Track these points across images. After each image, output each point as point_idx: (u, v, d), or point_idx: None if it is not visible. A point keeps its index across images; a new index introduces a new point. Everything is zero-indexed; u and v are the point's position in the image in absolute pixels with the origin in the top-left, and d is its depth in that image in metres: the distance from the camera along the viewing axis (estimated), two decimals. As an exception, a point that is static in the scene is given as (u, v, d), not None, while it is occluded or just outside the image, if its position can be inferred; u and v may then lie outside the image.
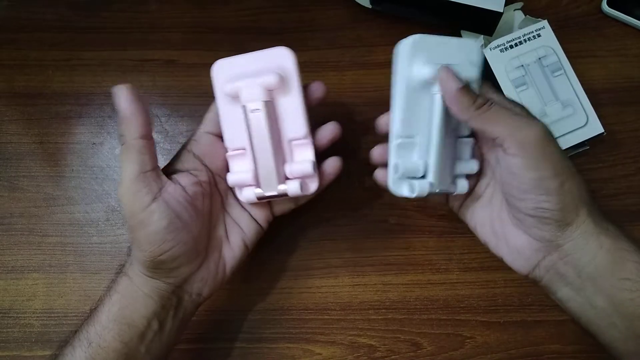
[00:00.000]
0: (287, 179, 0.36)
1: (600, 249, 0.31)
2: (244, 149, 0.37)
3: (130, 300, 0.34)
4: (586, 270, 0.32)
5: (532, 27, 0.45)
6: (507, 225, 0.35)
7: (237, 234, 0.39)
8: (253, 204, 0.38)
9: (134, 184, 0.32)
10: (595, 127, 0.43)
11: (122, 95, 0.33)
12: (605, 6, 0.48)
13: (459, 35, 0.49)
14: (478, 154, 0.37)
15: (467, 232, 0.39)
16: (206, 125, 0.38)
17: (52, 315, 0.44)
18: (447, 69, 0.33)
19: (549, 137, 0.31)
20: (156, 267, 0.34)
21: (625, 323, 0.31)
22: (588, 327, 0.33)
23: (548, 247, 0.33)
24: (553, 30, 0.45)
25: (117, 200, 0.46)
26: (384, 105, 0.37)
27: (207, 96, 0.48)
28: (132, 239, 0.34)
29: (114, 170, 0.47)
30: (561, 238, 0.32)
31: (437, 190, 0.35)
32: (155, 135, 0.48)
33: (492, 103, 0.32)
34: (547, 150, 0.31)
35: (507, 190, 0.34)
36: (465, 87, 0.33)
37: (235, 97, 0.35)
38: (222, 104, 0.36)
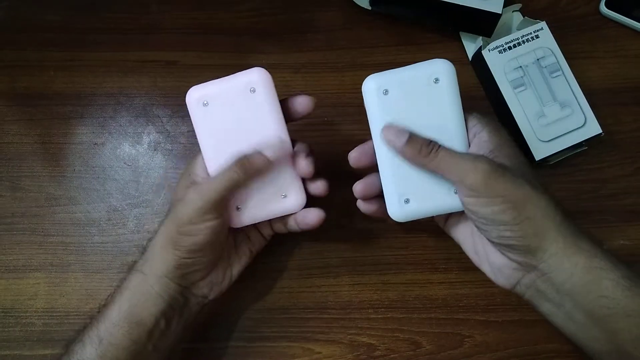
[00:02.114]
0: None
1: (575, 268, 0.31)
2: None
3: (140, 298, 0.35)
4: (564, 288, 0.32)
5: (531, 29, 0.45)
6: (486, 244, 0.36)
7: (245, 244, 0.41)
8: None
9: (212, 203, 0.34)
10: (593, 128, 0.44)
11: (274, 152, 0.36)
12: (603, 7, 0.49)
13: (458, 37, 0.49)
14: None
15: (466, 232, 0.39)
16: None
17: (54, 314, 0.44)
18: (387, 128, 0.35)
19: (496, 172, 0.32)
20: (176, 268, 0.35)
21: (606, 337, 0.32)
22: (572, 340, 0.34)
23: (525, 267, 0.33)
24: (551, 31, 0.45)
25: (119, 200, 0.47)
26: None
27: (207, 97, 0.48)
28: (172, 239, 0.35)
29: (115, 170, 0.47)
30: (534, 260, 0.32)
31: None
32: (156, 136, 0.48)
33: (438, 149, 0.34)
34: (496, 187, 0.32)
35: (472, 221, 0.35)
36: (410, 139, 0.34)
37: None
38: None
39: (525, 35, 0.45)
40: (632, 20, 0.48)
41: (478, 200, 0.32)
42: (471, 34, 0.48)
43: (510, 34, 0.45)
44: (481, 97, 0.48)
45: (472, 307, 0.44)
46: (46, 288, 0.45)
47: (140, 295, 0.35)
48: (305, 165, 0.36)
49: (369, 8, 0.48)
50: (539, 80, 0.44)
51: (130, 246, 0.46)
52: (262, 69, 0.36)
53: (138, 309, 0.35)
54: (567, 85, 0.44)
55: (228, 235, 0.38)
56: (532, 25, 0.45)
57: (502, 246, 0.34)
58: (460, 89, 0.49)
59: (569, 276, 0.32)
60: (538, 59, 0.44)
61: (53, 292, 0.45)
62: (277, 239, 0.45)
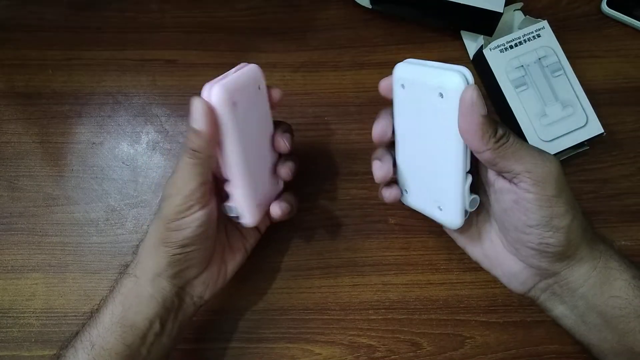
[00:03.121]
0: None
1: (593, 270, 0.32)
2: None
3: (134, 302, 0.35)
4: (580, 290, 0.32)
5: (532, 28, 0.45)
6: (499, 249, 0.35)
7: (238, 240, 0.40)
8: None
9: (193, 192, 0.33)
10: (595, 127, 0.44)
11: (204, 110, 0.32)
12: (604, 7, 0.48)
13: (459, 36, 0.49)
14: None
15: (466, 232, 0.39)
16: None
17: (52, 315, 0.44)
18: (475, 88, 0.29)
19: (563, 174, 0.30)
20: (169, 265, 0.35)
21: (617, 338, 0.31)
22: (582, 341, 0.34)
23: (545, 273, 0.33)
24: (553, 30, 0.45)
25: (117, 200, 0.46)
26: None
27: (207, 96, 0.48)
28: (161, 237, 0.34)
29: (113, 170, 0.47)
30: (558, 267, 0.32)
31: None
32: (155, 135, 0.48)
33: (509, 136, 0.30)
34: (562, 189, 0.30)
35: (510, 223, 0.32)
36: (489, 115, 0.29)
37: None
38: None
39: (527, 35, 0.45)
40: (633, 20, 0.48)
41: (540, 199, 0.29)
42: (472, 33, 0.48)
43: (511, 33, 0.45)
44: (482, 96, 0.48)
45: (473, 308, 0.44)
46: (44, 288, 0.45)
47: (133, 299, 0.35)
48: (281, 141, 0.37)
49: (370, 7, 0.48)
50: (540, 79, 0.44)
51: (129, 246, 0.45)
52: (257, 65, 0.36)
53: (131, 312, 0.34)
54: (569, 85, 0.44)
55: (217, 228, 0.38)
56: (533, 24, 0.45)
57: (536, 252, 0.32)
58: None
59: (587, 278, 0.32)
60: (539, 58, 0.44)
61: (51, 292, 0.44)
62: (276, 239, 0.45)
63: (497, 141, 0.29)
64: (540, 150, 0.31)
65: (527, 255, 0.33)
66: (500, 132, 0.29)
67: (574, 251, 0.31)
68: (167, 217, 0.34)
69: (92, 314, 0.36)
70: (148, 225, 0.36)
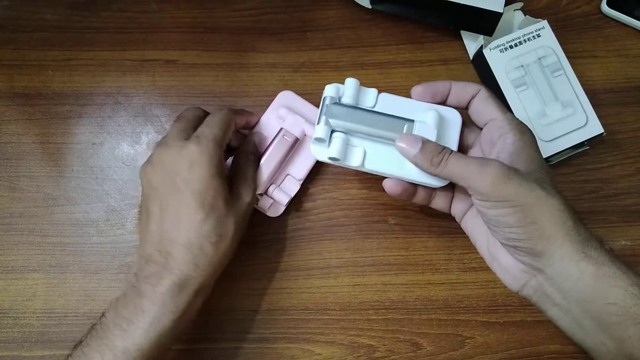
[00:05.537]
0: (265, 194, 0.43)
1: (582, 275, 0.31)
2: None
3: (175, 330, 0.35)
4: (571, 294, 0.32)
5: (532, 28, 0.45)
6: (497, 244, 0.36)
7: None
8: None
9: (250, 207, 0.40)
10: (595, 127, 0.44)
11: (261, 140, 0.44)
12: (604, 6, 0.48)
13: (459, 36, 0.49)
14: None
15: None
16: None
17: (52, 315, 0.44)
18: (403, 137, 0.36)
19: (504, 176, 0.32)
20: (222, 266, 0.38)
21: (615, 344, 0.31)
22: (580, 344, 0.34)
23: (532, 269, 0.34)
24: (553, 30, 0.45)
25: (117, 200, 0.46)
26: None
27: (206, 96, 0.48)
28: (236, 233, 0.37)
29: (113, 170, 0.47)
30: (540, 263, 0.33)
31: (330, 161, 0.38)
32: (155, 136, 0.48)
33: (448, 156, 0.34)
34: (503, 191, 0.32)
35: (483, 222, 0.36)
36: (421, 149, 0.35)
37: (279, 119, 0.44)
38: (267, 117, 0.45)
39: (527, 35, 0.45)
40: (633, 20, 0.48)
41: (486, 203, 0.33)
42: (472, 33, 0.48)
43: (511, 33, 0.45)
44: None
45: (473, 308, 0.44)
46: (44, 289, 0.45)
47: (178, 327, 0.35)
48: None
49: (370, 7, 0.48)
50: (540, 79, 0.44)
51: (129, 247, 0.45)
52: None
53: (168, 341, 0.35)
54: (569, 85, 0.44)
55: None
56: (533, 24, 0.45)
57: (509, 247, 0.34)
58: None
59: (575, 282, 0.31)
60: (539, 58, 0.44)
61: (51, 292, 0.44)
62: (277, 239, 0.45)
63: (437, 166, 0.34)
64: (481, 161, 0.33)
65: (509, 251, 0.34)
66: (435, 159, 0.34)
67: (545, 246, 0.32)
68: (247, 212, 0.39)
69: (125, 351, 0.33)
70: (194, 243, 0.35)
